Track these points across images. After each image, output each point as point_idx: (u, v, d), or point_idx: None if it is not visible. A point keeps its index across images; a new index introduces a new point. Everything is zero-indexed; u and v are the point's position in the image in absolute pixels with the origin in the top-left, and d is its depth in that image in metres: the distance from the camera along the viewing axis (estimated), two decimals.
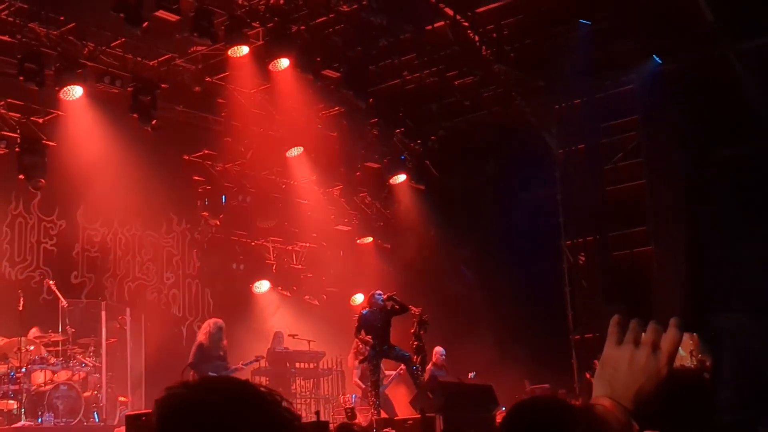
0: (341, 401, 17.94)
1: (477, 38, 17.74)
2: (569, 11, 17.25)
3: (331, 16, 16.51)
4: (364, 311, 15.34)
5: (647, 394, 1.96)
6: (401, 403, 16.24)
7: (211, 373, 13.94)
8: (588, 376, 17.23)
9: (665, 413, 1.91)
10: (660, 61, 18.23)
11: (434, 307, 16.80)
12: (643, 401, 1.96)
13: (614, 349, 2.01)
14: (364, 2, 16.00)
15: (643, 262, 18.56)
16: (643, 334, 2.00)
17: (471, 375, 17.64)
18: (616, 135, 19.22)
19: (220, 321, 14.90)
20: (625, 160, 19.02)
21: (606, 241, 19.24)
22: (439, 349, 17.44)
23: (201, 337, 14.60)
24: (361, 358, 15.67)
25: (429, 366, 16.96)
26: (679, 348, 2.01)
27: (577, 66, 18.31)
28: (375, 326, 15.11)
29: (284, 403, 1.83)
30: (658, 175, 18.57)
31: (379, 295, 15.40)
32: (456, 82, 19.06)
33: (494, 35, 17.72)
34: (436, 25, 17.19)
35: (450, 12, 17.07)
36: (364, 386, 16.14)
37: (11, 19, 14.80)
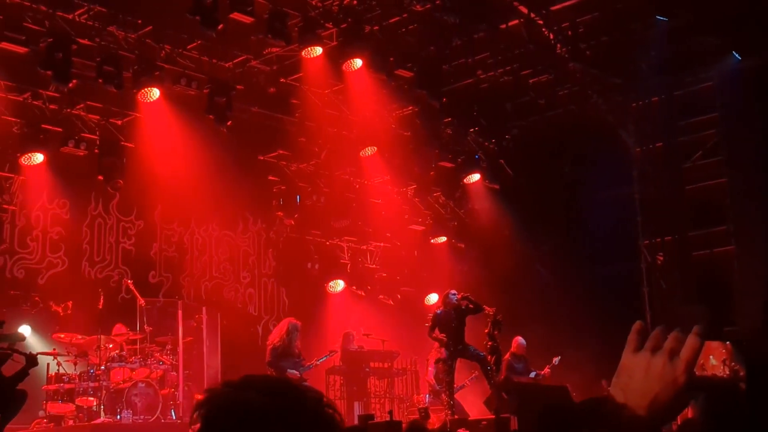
0: (415, 401, 17.92)
1: (552, 36, 17.56)
2: (646, 8, 16.99)
3: (404, 15, 16.49)
4: (438, 311, 15.31)
5: (662, 402, 1.88)
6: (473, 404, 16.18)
7: (289, 370, 14.12)
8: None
9: (699, 422, 1.83)
10: (740, 58, 17.85)
11: (509, 307, 16.66)
12: (658, 410, 1.88)
13: (631, 356, 1.94)
14: (438, 1, 15.94)
15: (723, 262, 18.20)
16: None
17: (555, 360, 17.46)
18: (696, 133, 18.89)
19: (296, 321, 15.02)
20: (704, 158, 18.68)
21: (685, 240, 18.91)
22: (519, 339, 17.31)
23: (274, 338, 14.75)
24: (437, 357, 15.64)
25: (507, 356, 16.89)
26: (711, 357, 1.94)
27: (655, 63, 18.04)
28: (449, 326, 15.07)
29: (325, 401, 1.82)
30: (738, 173, 18.20)
31: (453, 294, 15.35)
32: (531, 81, 18.88)
33: (569, 33, 17.51)
34: (510, 23, 17.04)
35: (524, 10, 16.93)
36: (437, 387, 16.08)
37: (90, 23, 15.09)
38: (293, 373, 14.33)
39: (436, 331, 15.08)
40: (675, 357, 1.89)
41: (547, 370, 17.38)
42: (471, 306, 15.13)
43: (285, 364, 14.44)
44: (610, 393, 1.94)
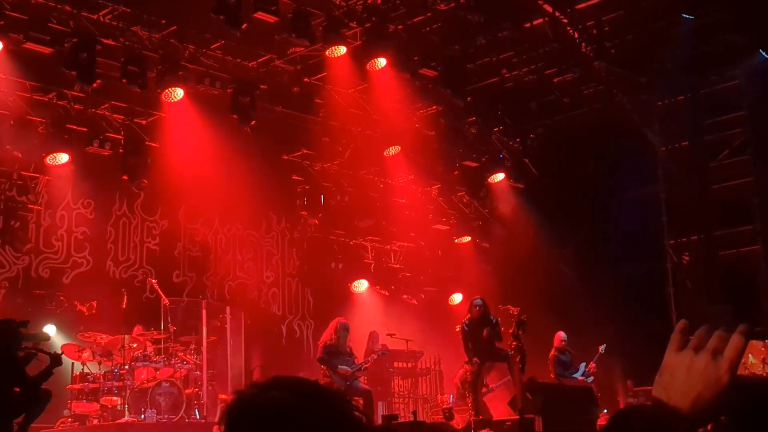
0: (439, 401, 17.87)
1: (577, 35, 17.48)
2: (671, 6, 16.88)
3: (428, 14, 16.45)
4: (464, 325, 15.22)
5: (705, 402, 1.85)
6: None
7: (341, 367, 14.16)
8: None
9: (733, 423, 1.80)
10: (766, 56, 17.70)
11: (533, 307, 16.59)
12: (700, 409, 1.85)
13: (674, 355, 1.91)
14: (462, 0, 15.89)
15: (750, 261, 18.06)
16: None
17: (601, 348, 17.39)
18: (722, 131, 18.75)
19: (345, 320, 15.04)
20: (731, 158, 18.53)
21: (711, 240, 18.78)
22: (561, 334, 17.27)
23: (326, 336, 14.73)
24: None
25: (552, 352, 16.85)
26: (750, 356, 1.90)
27: (680, 62, 17.93)
28: (478, 334, 15.03)
29: (352, 403, 1.82)
30: (765, 172, 18.05)
31: (479, 302, 15.34)
32: (555, 80, 18.80)
33: (594, 31, 17.43)
34: (534, 22, 16.98)
35: (549, 9, 16.86)
36: (462, 390, 16.01)
37: (115, 23, 15.14)
38: (344, 368, 14.37)
39: (470, 345, 15.02)
40: (718, 356, 1.87)
41: (592, 365, 17.24)
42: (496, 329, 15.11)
43: (337, 360, 14.46)
44: (652, 392, 1.92)
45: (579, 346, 17.72)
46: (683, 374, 1.88)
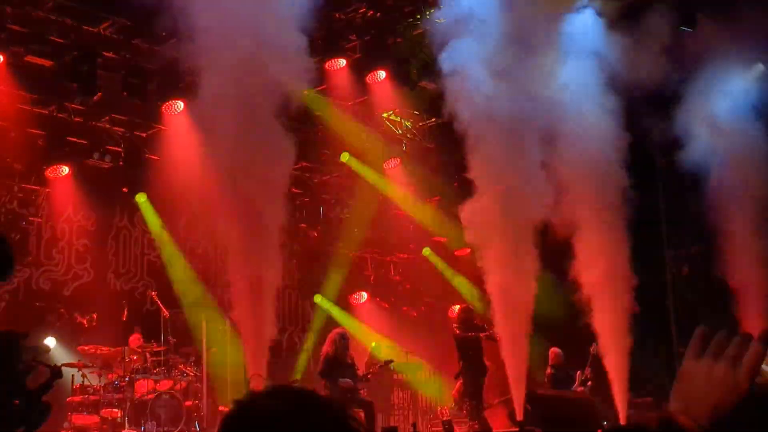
0: (438, 413, 17.84)
1: None
2: (670, 19, 16.89)
3: (427, 27, 16.47)
4: (459, 330, 15.22)
5: (724, 410, 1.85)
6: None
7: (342, 379, 14.08)
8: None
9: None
10: (766, 69, 17.74)
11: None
12: (719, 418, 1.85)
13: (693, 362, 1.91)
14: None
15: None
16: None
17: (593, 349, 17.30)
18: None
19: (344, 330, 15.00)
20: None
21: (711, 251, 18.72)
22: (556, 350, 17.22)
23: (327, 348, 14.64)
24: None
25: (548, 370, 16.81)
26: (764, 366, 1.89)
27: (680, 73, 17.92)
28: (472, 345, 15.03)
29: (348, 412, 1.83)
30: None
31: (470, 310, 15.37)
32: None
33: None
34: None
35: None
36: (458, 401, 15.99)
37: (115, 36, 15.17)
38: (346, 381, 14.27)
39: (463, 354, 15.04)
40: (738, 363, 1.86)
41: (588, 370, 17.19)
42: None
43: (338, 373, 14.39)
44: (671, 399, 1.92)
45: (574, 359, 17.68)
46: (702, 382, 1.87)
